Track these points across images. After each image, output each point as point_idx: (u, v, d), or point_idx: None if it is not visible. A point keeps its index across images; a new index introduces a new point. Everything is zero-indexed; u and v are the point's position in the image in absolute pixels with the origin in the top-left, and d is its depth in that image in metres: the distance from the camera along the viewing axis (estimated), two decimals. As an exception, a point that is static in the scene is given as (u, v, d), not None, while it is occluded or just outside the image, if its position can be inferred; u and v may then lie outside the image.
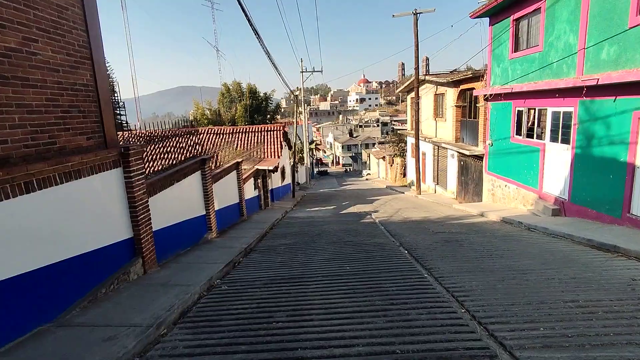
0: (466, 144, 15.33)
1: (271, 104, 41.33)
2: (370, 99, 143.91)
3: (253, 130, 20.40)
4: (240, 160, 11.47)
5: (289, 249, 7.36)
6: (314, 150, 51.14)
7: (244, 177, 12.51)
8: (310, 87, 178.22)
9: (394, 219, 11.14)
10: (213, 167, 9.79)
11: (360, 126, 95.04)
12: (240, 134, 20.09)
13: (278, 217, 12.31)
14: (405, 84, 21.79)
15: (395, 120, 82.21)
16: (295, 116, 23.56)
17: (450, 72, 17.59)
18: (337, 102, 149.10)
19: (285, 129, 21.36)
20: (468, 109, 15.04)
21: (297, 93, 19.64)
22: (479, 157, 13.53)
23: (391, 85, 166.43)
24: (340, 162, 78.81)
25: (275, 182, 19.08)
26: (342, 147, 78.88)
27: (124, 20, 57.26)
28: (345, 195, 22.06)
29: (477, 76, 13.00)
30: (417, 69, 17.65)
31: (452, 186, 16.84)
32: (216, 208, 9.29)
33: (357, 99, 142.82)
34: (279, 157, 18.15)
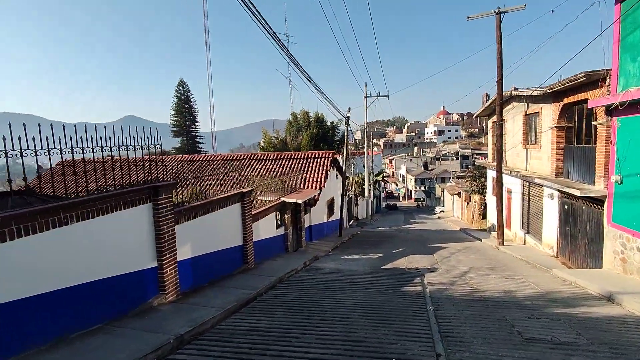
0: (573, 180, 10.79)
1: (338, 133, 39.44)
2: (449, 130, 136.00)
3: (297, 156, 17.95)
4: (246, 190, 8.81)
5: (253, 347, 4.22)
6: (380, 182, 47.42)
7: (258, 211, 9.81)
8: (386, 120, 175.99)
9: (457, 289, 7.30)
10: (189, 199, 7.23)
11: (437, 159, 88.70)
12: (284, 160, 17.77)
13: (295, 268, 9.24)
14: (486, 104, 17.65)
15: (477, 154, 74.57)
16: (361, 146, 20.72)
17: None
18: (413, 134, 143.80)
19: (336, 156, 18.54)
20: (576, 130, 10.61)
21: (347, 114, 16.84)
22: (596, 201, 9.05)
23: (474, 117, 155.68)
24: (413, 196, 73.18)
25: (316, 217, 16.12)
26: (415, 180, 73.45)
27: (206, 59, 61.57)
28: (405, 238, 18.11)
29: (592, 81, 8.80)
30: (500, 81, 13.69)
31: (549, 238, 12.13)
32: (189, 256, 6.62)
33: (435, 131, 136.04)
34: (320, 188, 15.27)
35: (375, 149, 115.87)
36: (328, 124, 40.98)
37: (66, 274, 4.27)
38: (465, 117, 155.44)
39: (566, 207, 10.90)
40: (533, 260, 10.93)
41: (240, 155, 18.91)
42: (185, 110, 60.03)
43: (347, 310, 5.71)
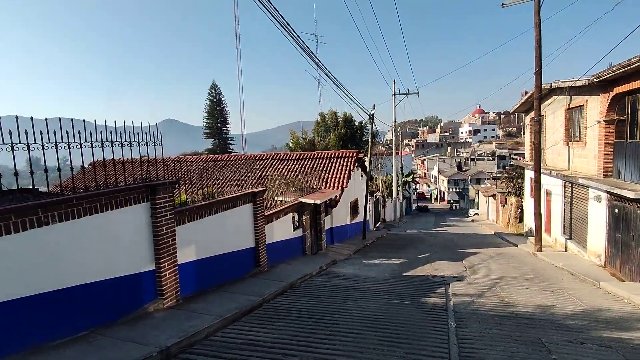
0: (625, 180, 9.55)
1: (366, 132, 38.63)
2: (485, 130, 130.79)
3: (320, 156, 17.44)
4: (258, 190, 8.40)
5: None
6: (410, 183, 45.99)
7: (272, 212, 9.39)
8: (418, 120, 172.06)
9: (485, 302, 6.50)
10: (199, 200, 6.89)
11: (472, 159, 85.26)
12: (307, 160, 17.33)
13: (310, 273, 8.74)
14: (524, 99, 16.31)
15: (515, 154, 70.86)
16: (390, 145, 19.93)
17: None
18: (447, 133, 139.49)
19: (360, 155, 17.86)
20: (628, 124, 9.37)
21: (372, 112, 16.13)
22: (654, 204, 7.87)
23: (511, 115, 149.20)
24: (445, 198, 70.72)
25: (338, 218, 15.54)
26: (448, 182, 70.89)
27: (237, 61, 62.49)
28: (433, 242, 17.13)
29: (649, 66, 7.66)
30: (538, 73, 12.53)
31: (596, 245, 10.88)
32: (192, 258, 6.28)
33: (470, 130, 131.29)
34: (342, 188, 14.67)
35: (407, 149, 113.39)
36: (356, 124, 40.20)
37: (46, 278, 3.98)
38: (502, 116, 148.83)
39: (616, 210, 9.68)
40: (576, 270, 9.79)
41: (263, 155, 18.68)
42: (217, 112, 61.31)
43: (357, 324, 5.12)
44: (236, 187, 14.11)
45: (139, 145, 5.33)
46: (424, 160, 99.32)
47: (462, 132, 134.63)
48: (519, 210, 22.53)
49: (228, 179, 15.37)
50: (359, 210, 18.76)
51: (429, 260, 11.32)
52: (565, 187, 13.42)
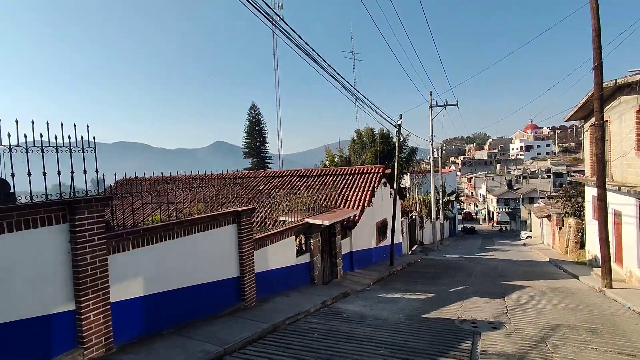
0: None
1: (405, 149, 36.72)
2: (539, 146, 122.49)
3: (343, 172, 15.94)
4: (245, 208, 7.10)
5: None
6: (454, 202, 42.81)
7: (265, 234, 8.03)
8: (465, 136, 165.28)
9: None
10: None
11: (524, 177, 79.04)
12: (328, 176, 15.91)
13: (306, 310, 7.20)
14: (581, 102, 13.77)
15: (574, 171, 64.42)
16: (428, 161, 18.08)
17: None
18: (496, 150, 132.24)
19: (387, 171, 16.11)
20: None
21: (399, 122, 14.46)
22: None
23: (569, 130, 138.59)
24: (495, 219, 65.55)
25: (361, 241, 13.82)
26: (497, 201, 65.87)
27: (275, 82, 63.58)
28: (473, 270, 14.80)
29: None
30: (598, 67, 10.30)
31: (689, 283, 8.27)
32: (137, 294, 5.05)
33: (521, 147, 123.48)
34: (363, 207, 13.00)
35: (452, 167, 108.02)
36: (394, 140, 38.38)
37: None
38: (558, 131, 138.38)
39: None
40: (663, 317, 7.33)
41: (282, 172, 17.56)
42: (255, 132, 62.19)
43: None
44: (238, 206, 12.99)
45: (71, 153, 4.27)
46: (471, 178, 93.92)
47: (512, 149, 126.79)
48: (580, 234, 19.34)
49: (237, 196, 14.34)
50: (387, 232, 16.87)
51: (462, 295, 9.27)
52: (639, 207, 10.79)
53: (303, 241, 9.91)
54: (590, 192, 15.55)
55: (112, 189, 5.52)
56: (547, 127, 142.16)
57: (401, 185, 23.41)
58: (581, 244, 19.15)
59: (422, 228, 28.14)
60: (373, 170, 15.49)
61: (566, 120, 16.65)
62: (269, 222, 10.32)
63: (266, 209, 12.57)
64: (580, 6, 11.27)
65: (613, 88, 11.23)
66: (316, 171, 16.70)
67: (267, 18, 7.24)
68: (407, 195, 28.21)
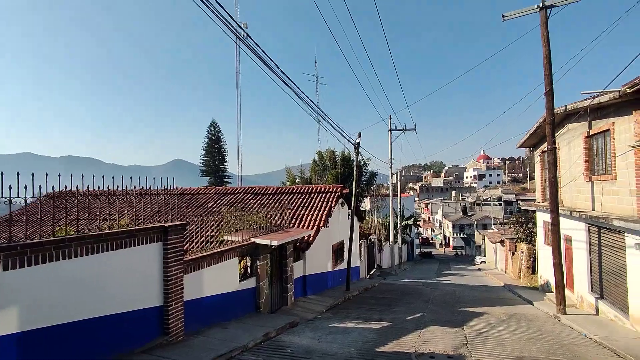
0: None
1: (365, 172, 36.77)
2: (490, 175, 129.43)
3: (299, 190, 15.18)
4: (173, 224, 6.08)
5: None
6: (412, 226, 43.18)
7: (200, 255, 6.97)
8: (422, 164, 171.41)
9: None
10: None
11: (478, 204, 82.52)
12: (284, 195, 15.05)
13: (243, 345, 6.15)
14: (532, 129, 14.13)
15: (522, 200, 68.06)
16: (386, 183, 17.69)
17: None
18: (451, 178, 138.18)
19: (345, 191, 15.56)
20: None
21: (357, 140, 14.07)
22: None
23: (517, 161, 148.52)
24: (451, 244, 67.08)
25: (316, 264, 12.93)
26: (453, 226, 67.66)
27: (237, 99, 62.61)
28: (431, 295, 14.31)
29: None
30: (549, 92, 10.50)
31: (641, 309, 8.17)
32: (7, 331, 3.84)
33: (474, 175, 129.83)
34: (319, 227, 12.24)
35: (411, 192, 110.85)
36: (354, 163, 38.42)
37: None
38: (507, 161, 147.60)
39: (670, 264, 7.12)
40: (621, 347, 7.04)
41: (235, 189, 16.48)
42: (215, 150, 60.28)
43: None
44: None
45: None
46: (428, 203, 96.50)
47: (466, 177, 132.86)
48: (531, 259, 19.69)
49: (183, 213, 13.08)
50: (345, 255, 16.12)
51: (420, 324, 8.60)
52: (590, 232, 10.88)
53: (249, 264, 8.90)
54: (542, 218, 15.84)
55: (41, 201, 4.54)
56: (498, 158, 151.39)
57: (361, 208, 22.99)
58: (533, 269, 19.47)
59: (380, 251, 27.73)
60: (331, 190, 14.85)
61: (518, 147, 17.12)
62: (214, 242, 9.23)
63: (213, 227, 11.44)
64: (525, 33, 11.61)
65: (562, 114, 11.51)
66: (271, 189, 15.79)
67: (232, 31, 6.64)
68: (367, 218, 27.85)
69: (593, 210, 10.61)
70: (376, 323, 8.57)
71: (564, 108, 10.85)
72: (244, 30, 7.25)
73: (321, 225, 12.39)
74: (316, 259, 12.99)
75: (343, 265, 15.62)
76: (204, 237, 10.12)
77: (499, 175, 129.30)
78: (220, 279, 7.54)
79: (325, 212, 13.16)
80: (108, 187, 5.23)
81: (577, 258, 11.87)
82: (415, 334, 7.59)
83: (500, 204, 78.09)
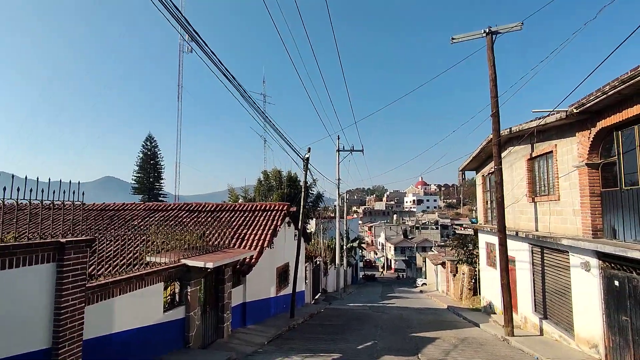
0: (625, 240, 7.19)
1: (312, 194, 36.16)
2: (428, 200, 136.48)
3: (242, 208, 13.97)
4: (69, 239, 4.72)
5: None
6: (357, 249, 43.08)
7: (113, 280, 5.57)
8: (366, 188, 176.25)
9: None
10: None
11: (417, 228, 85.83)
12: (224, 212, 13.73)
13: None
14: (476, 151, 14.53)
15: (456, 224, 72.07)
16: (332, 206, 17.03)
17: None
18: (392, 202, 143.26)
19: (292, 209, 14.66)
20: (621, 166, 7.29)
21: (307, 155, 13.39)
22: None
23: (451, 188, 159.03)
24: (393, 267, 68.29)
25: (257, 289, 11.68)
26: (395, 249, 69.20)
27: (177, 113, 59.64)
28: (380, 320, 13.65)
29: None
30: (495, 114, 10.72)
31: (588, 330, 8.16)
32: None
33: (414, 200, 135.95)
34: (262, 248, 11.14)
35: (355, 215, 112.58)
36: (301, 183, 37.71)
37: None
38: (443, 188, 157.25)
39: (616, 283, 7.14)
40: (576, 370, 6.80)
41: (168, 205, 14.79)
42: (150, 166, 55.95)
43: None
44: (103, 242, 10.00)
45: None
46: (372, 227, 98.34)
47: (406, 202, 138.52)
48: (473, 281, 20.08)
49: (102, 230, 11.21)
50: (290, 279, 15.01)
51: (373, 353, 7.79)
52: (533, 253, 11.05)
53: (177, 290, 7.53)
54: (484, 239, 16.17)
55: None
56: (435, 185, 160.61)
57: (307, 230, 22.14)
58: (474, 291, 19.81)
59: (326, 275, 26.86)
60: (276, 208, 13.85)
61: (461, 170, 17.59)
62: (136, 265, 7.72)
63: (137, 247, 9.81)
64: (469, 54, 12.07)
65: (505, 137, 11.83)
66: (210, 205, 14.38)
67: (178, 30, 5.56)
68: (313, 239, 26.99)
69: (537, 230, 10.81)
70: (325, 355, 7.60)
71: (508, 130, 11.14)
72: (195, 32, 6.26)
73: (265, 245, 11.27)
74: (258, 284, 11.75)
75: (288, 290, 14.46)
76: (125, 259, 8.55)
77: (435, 200, 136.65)
78: (138, 309, 6.13)
79: (270, 231, 12.08)
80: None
81: (521, 279, 12.01)
82: (369, 366, 6.74)
83: (437, 228, 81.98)
